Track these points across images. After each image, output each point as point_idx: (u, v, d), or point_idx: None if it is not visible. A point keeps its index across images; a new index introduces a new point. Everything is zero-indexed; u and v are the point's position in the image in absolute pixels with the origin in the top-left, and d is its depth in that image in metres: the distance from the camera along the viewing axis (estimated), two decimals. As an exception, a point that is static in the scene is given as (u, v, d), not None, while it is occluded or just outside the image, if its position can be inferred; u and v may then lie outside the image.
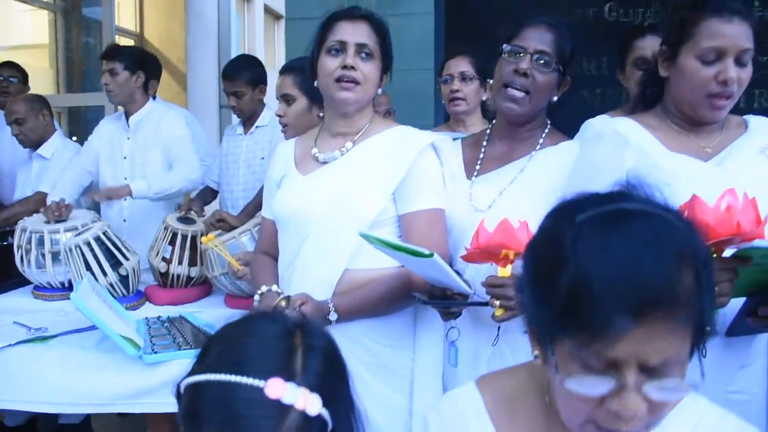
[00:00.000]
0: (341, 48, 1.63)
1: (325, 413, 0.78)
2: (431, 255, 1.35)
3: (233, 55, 7.18)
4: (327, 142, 1.73)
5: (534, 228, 1.45)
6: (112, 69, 2.93)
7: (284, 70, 2.16)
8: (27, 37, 6.31)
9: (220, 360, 0.80)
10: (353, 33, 1.63)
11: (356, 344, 1.61)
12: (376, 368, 1.63)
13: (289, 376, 0.77)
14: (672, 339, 0.72)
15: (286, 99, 2.13)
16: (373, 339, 1.63)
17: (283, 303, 1.48)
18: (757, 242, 1.13)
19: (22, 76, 3.95)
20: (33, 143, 3.29)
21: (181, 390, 0.83)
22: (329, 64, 1.63)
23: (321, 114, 1.95)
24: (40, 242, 2.55)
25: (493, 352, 1.59)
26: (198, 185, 3.12)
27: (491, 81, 1.72)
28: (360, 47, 1.63)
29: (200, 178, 3.04)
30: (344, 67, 1.61)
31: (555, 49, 1.62)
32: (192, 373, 0.82)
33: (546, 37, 1.62)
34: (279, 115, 2.14)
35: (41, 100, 3.33)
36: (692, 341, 0.75)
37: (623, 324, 0.70)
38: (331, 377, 0.82)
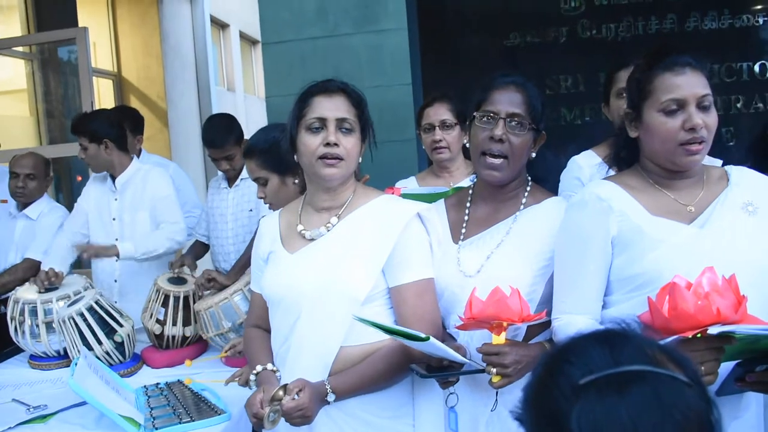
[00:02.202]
0: (321, 125, 1.60)
1: None
2: (427, 338, 1.36)
3: (212, 85, 7.16)
4: (312, 218, 1.70)
5: (525, 293, 1.49)
6: (81, 143, 2.94)
7: (246, 154, 2.13)
8: (4, 85, 6.24)
9: None
10: (332, 108, 1.60)
11: (355, 419, 1.61)
12: None
13: None
14: None
15: (259, 182, 2.11)
16: (372, 412, 1.62)
17: (281, 392, 1.45)
18: (738, 329, 1.14)
19: None
20: (27, 201, 3.28)
21: None
22: (311, 142, 1.60)
23: (296, 181, 1.93)
24: (33, 312, 2.56)
25: (491, 416, 1.61)
26: (183, 244, 3.10)
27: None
28: (340, 122, 1.60)
29: (185, 239, 3.03)
30: (327, 144, 1.58)
31: (526, 109, 1.62)
32: None
33: (516, 98, 1.62)
34: (261, 197, 2.12)
35: (48, 164, 3.37)
36: None
37: None
38: None
